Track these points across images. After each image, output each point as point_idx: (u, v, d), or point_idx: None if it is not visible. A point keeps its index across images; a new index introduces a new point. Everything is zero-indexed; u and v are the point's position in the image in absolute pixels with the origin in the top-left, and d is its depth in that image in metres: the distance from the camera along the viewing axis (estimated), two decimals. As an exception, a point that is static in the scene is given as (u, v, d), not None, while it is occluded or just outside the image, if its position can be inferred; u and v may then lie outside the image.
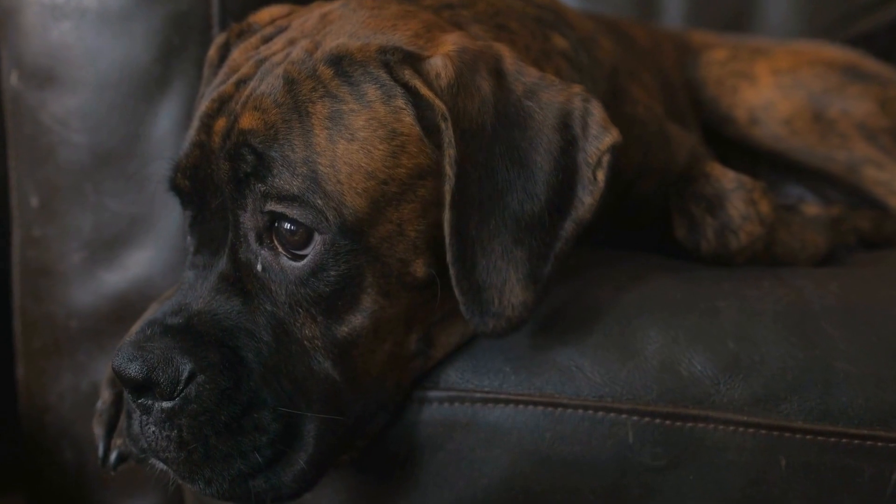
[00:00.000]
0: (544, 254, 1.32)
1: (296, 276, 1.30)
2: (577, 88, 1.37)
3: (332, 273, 1.30)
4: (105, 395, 1.49)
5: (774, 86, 1.96)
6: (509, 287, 1.30)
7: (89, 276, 1.77)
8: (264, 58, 1.38)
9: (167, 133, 1.73)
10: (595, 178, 1.33)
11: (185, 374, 1.27)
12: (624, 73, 1.64)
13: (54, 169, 1.75)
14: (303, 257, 1.30)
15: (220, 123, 1.34)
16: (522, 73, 1.37)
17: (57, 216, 1.76)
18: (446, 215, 1.29)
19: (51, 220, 1.77)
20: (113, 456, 1.45)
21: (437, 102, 1.29)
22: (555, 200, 1.32)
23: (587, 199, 1.33)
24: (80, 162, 1.74)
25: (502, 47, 1.39)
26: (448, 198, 1.28)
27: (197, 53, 1.70)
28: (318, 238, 1.30)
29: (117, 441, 1.45)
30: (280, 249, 1.32)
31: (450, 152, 1.28)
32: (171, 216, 1.73)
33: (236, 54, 1.44)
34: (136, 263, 1.76)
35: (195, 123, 1.38)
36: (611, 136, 1.34)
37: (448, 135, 1.28)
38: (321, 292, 1.30)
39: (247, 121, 1.32)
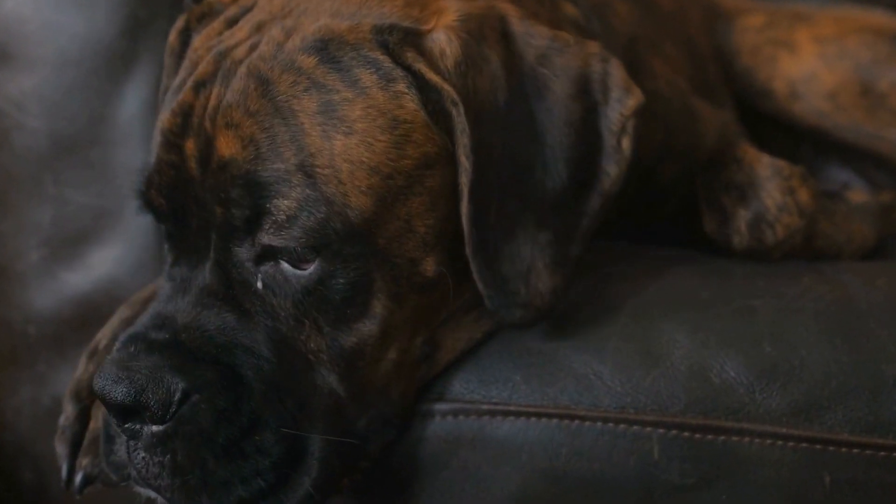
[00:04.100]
0: (570, 234, 1.35)
1: (301, 285, 1.32)
2: (593, 48, 1.39)
3: (341, 280, 1.31)
4: (68, 410, 1.50)
5: (817, 55, 1.96)
6: (536, 274, 1.33)
7: (49, 277, 1.77)
8: (225, 50, 1.37)
9: (134, 116, 1.74)
10: (620, 147, 1.36)
11: (178, 395, 1.28)
12: (643, 43, 1.64)
13: (9, 157, 1.76)
14: (309, 264, 1.32)
15: (191, 145, 1.34)
16: (532, 35, 1.37)
17: (12, 210, 1.77)
18: (464, 207, 1.30)
19: (5, 215, 1.78)
20: (78, 477, 1.45)
21: (446, 87, 1.30)
22: (578, 175, 1.35)
23: (613, 169, 1.36)
24: (37, 149, 1.75)
25: (506, 6, 1.39)
26: (465, 190, 1.30)
27: (166, 27, 1.68)
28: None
29: (83, 461, 1.46)
30: (281, 259, 1.32)
31: (464, 140, 1.30)
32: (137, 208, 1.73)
33: (198, 43, 1.43)
34: (102, 262, 1.77)
35: (159, 138, 1.37)
36: (634, 99, 1.37)
37: (460, 121, 1.29)
38: (330, 301, 1.32)
39: (223, 146, 1.31)
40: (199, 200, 1.34)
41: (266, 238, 1.30)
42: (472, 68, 1.32)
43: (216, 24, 1.44)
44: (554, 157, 1.34)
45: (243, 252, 1.33)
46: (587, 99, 1.36)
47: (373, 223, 1.31)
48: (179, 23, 1.52)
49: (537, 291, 1.33)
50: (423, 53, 1.32)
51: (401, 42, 1.32)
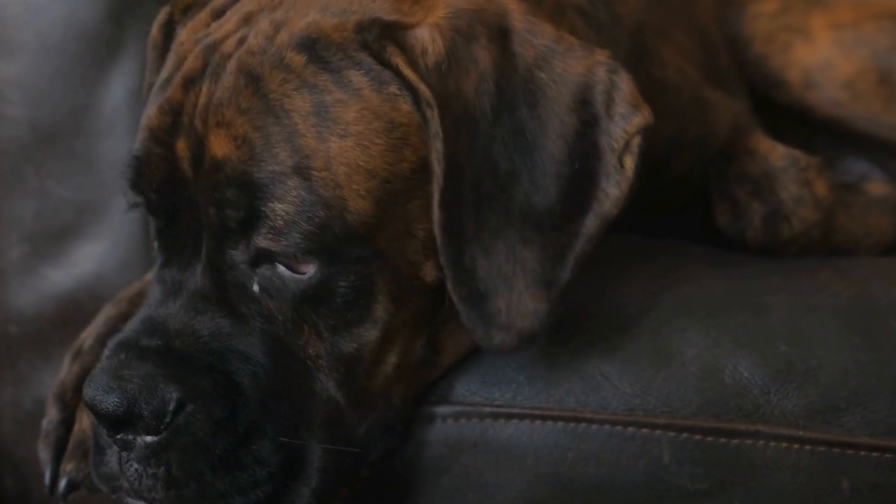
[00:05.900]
0: (560, 254, 1.32)
1: (300, 289, 1.31)
2: (601, 56, 1.36)
3: (342, 284, 1.31)
4: (52, 413, 1.50)
5: (833, 42, 1.96)
6: (517, 294, 1.30)
7: (31, 274, 1.78)
8: (214, 43, 1.36)
9: (120, 104, 1.73)
10: (622, 166, 1.32)
11: (173, 405, 1.28)
12: (651, 30, 1.64)
13: (-11, 149, 1.76)
14: (307, 266, 1.31)
15: (182, 145, 1.33)
16: (534, 34, 1.35)
17: (-8, 204, 1.78)
18: (435, 216, 1.29)
19: (-15, 209, 1.78)
20: (62, 483, 1.46)
21: (421, 86, 1.28)
22: (570, 193, 1.32)
23: (613, 190, 1.32)
24: (18, 140, 1.75)
25: (508, 1, 1.37)
26: (437, 197, 1.28)
27: (153, 12, 1.68)
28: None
29: (67, 466, 1.46)
30: (278, 262, 1.31)
31: (437, 145, 1.28)
32: (125, 203, 1.73)
33: (184, 36, 1.42)
34: (86, 258, 1.77)
35: (147, 134, 1.36)
36: (641, 117, 1.33)
37: (434, 124, 1.28)
38: (330, 305, 1.31)
39: (216, 146, 1.31)
40: (191, 202, 1.34)
41: (262, 242, 1.30)
42: (455, 69, 1.30)
43: (202, 15, 1.43)
44: (543, 170, 1.31)
45: (237, 255, 1.33)
46: (587, 111, 1.33)
47: (372, 227, 1.30)
48: (162, 16, 1.50)
49: (518, 313, 1.30)
50: (404, 49, 1.30)
51: (379, 37, 1.30)
